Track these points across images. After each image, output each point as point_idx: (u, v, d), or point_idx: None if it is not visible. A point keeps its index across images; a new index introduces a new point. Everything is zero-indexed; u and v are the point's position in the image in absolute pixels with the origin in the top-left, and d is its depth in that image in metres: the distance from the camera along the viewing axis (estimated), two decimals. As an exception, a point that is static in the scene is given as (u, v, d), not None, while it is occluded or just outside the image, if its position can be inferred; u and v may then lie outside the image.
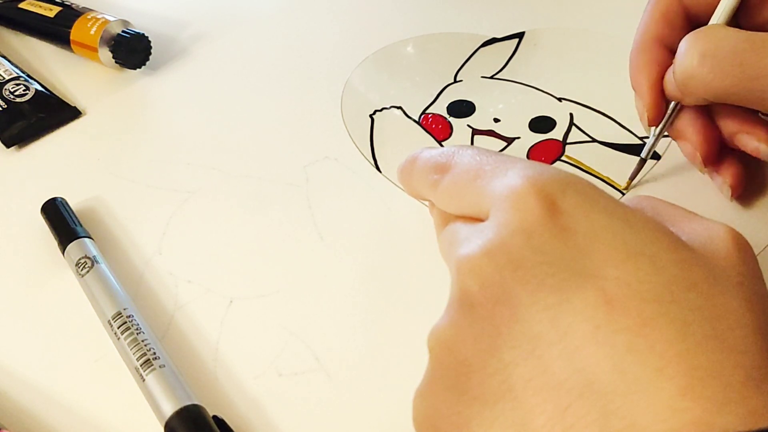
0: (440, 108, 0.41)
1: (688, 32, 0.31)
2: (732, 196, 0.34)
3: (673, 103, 0.33)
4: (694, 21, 0.33)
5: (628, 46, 0.35)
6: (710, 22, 0.32)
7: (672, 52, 0.33)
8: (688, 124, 0.33)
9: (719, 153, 0.34)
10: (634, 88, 0.35)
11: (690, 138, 0.33)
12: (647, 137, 0.38)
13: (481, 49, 0.45)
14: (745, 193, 0.35)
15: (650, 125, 0.34)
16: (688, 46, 0.30)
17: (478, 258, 0.20)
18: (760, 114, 0.36)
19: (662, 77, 0.33)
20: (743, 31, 0.29)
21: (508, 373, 0.19)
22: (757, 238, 0.33)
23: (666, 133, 0.35)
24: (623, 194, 0.36)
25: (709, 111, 0.34)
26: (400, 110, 0.41)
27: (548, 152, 0.38)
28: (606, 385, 0.18)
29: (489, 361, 0.20)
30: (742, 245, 0.21)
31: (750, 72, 0.28)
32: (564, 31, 0.46)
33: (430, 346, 0.22)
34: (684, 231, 0.21)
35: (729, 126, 0.33)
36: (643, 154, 0.35)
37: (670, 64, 0.33)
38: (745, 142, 0.33)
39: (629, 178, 0.36)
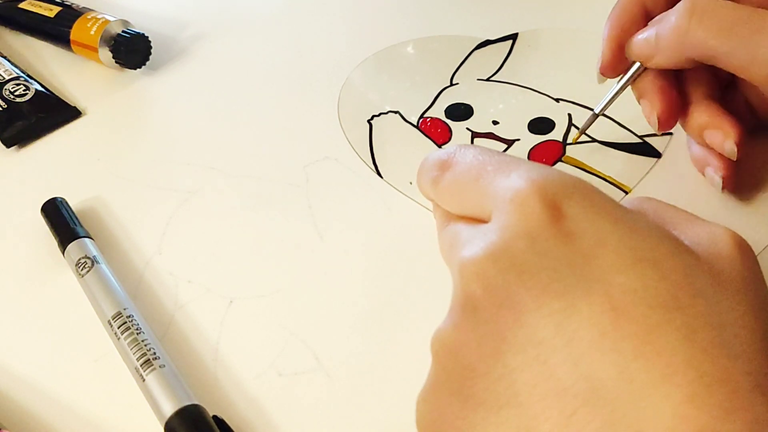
0: (438, 111, 0.41)
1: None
2: (724, 188, 0.34)
3: (636, 64, 0.34)
4: None
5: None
6: None
7: (648, 16, 0.34)
8: (650, 82, 0.34)
9: (677, 118, 0.34)
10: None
11: (649, 96, 0.34)
12: (648, 135, 0.38)
13: (476, 51, 0.45)
14: (744, 193, 0.35)
15: (602, 71, 0.35)
16: (687, 4, 0.31)
17: (481, 261, 0.20)
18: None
19: (629, 31, 0.34)
20: (736, 3, 0.30)
21: (513, 378, 0.19)
22: (757, 238, 0.33)
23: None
24: (626, 193, 0.36)
25: (674, 77, 0.34)
26: (398, 115, 0.41)
27: (549, 153, 0.38)
28: (612, 392, 0.18)
29: (494, 366, 0.20)
30: (744, 249, 0.21)
31: (742, 36, 0.29)
32: (558, 32, 0.46)
33: (433, 350, 0.22)
34: (686, 235, 0.21)
35: (701, 118, 0.33)
36: (597, 109, 0.36)
37: (643, 24, 0.33)
38: (712, 138, 0.33)
39: (579, 132, 0.37)
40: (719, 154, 0.34)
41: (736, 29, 0.30)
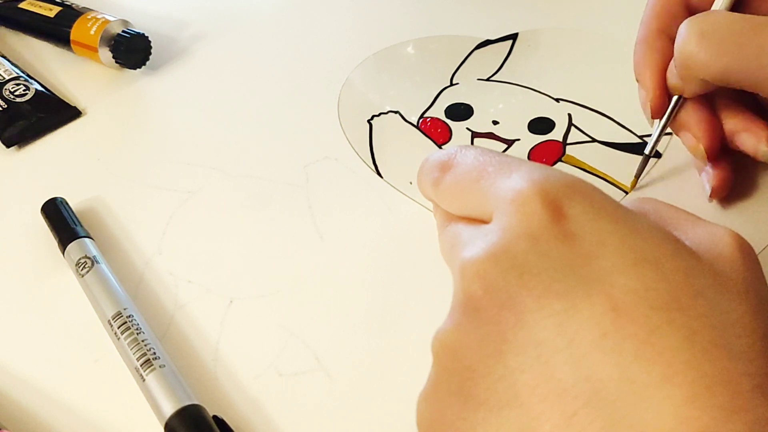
0: (438, 111, 0.41)
1: None
2: (711, 197, 0.34)
3: (675, 97, 0.34)
4: (695, 12, 0.33)
5: (622, 44, 0.35)
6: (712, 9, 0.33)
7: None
8: (691, 115, 0.33)
9: (720, 148, 0.34)
10: (638, 80, 0.35)
11: (693, 129, 0.33)
12: (647, 135, 0.38)
13: (476, 51, 0.45)
14: (745, 193, 0.35)
15: (653, 117, 0.34)
16: (687, 27, 0.31)
17: (482, 262, 0.20)
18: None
19: (665, 67, 0.33)
20: (740, 14, 0.30)
21: (514, 379, 0.19)
22: (757, 238, 0.33)
23: (669, 130, 0.34)
24: (626, 194, 0.36)
25: (711, 106, 0.34)
26: (398, 115, 0.41)
27: (549, 153, 0.38)
28: (613, 393, 0.18)
29: (494, 367, 0.20)
30: (745, 250, 0.21)
31: (748, 51, 0.29)
32: (558, 32, 0.46)
33: (434, 350, 0.22)
34: (688, 236, 0.21)
35: (731, 124, 0.33)
36: (647, 151, 0.35)
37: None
38: (744, 141, 0.33)
39: (635, 176, 0.36)
40: (715, 163, 0.33)
41: (741, 47, 0.29)
